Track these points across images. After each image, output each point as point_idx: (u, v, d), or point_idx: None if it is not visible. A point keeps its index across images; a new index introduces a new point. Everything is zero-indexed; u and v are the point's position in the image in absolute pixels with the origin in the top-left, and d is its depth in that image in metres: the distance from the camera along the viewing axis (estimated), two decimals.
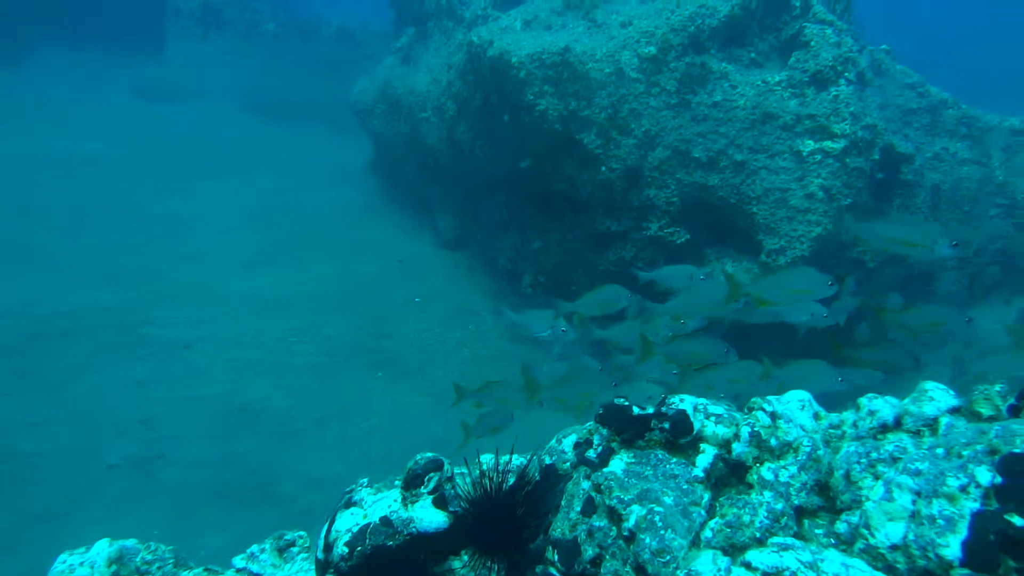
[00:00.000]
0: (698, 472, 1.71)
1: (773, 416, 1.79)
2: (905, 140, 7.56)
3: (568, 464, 1.96)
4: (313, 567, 2.23)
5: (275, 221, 11.16)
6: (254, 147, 14.67)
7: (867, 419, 1.72)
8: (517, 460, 2.09)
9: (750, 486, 1.70)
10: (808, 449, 1.69)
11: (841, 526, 1.55)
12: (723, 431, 1.80)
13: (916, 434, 1.60)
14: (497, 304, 6.38)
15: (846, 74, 6.78)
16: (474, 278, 9.67)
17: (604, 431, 1.87)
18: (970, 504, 1.32)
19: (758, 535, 1.59)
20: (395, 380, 7.86)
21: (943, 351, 7.30)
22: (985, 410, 1.58)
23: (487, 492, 1.89)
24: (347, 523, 2.01)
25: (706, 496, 1.68)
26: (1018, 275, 8.15)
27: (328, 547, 2.01)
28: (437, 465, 2.06)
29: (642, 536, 1.58)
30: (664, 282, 4.93)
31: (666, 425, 1.79)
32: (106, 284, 8.76)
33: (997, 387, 1.59)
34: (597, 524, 1.69)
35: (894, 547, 1.39)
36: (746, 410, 1.88)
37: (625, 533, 1.60)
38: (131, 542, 2.47)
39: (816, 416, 1.86)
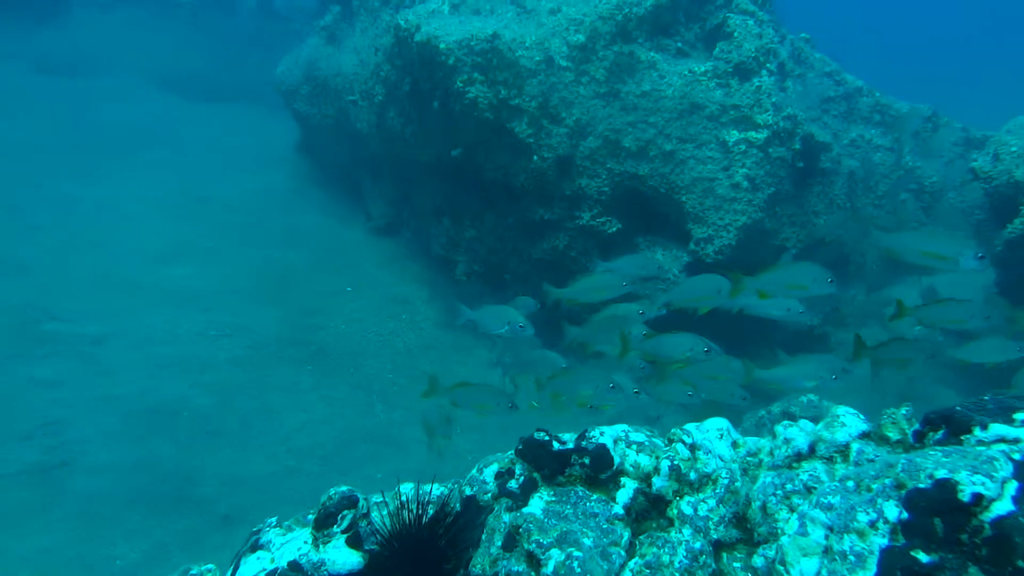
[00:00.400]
0: (618, 509, 1.70)
1: (692, 448, 1.79)
2: (824, 128, 7.82)
3: (489, 495, 1.90)
4: None
5: (194, 207, 10.58)
6: (170, 127, 13.83)
7: (783, 447, 1.74)
8: (438, 490, 2.02)
9: (671, 521, 1.70)
10: (726, 481, 1.70)
11: (758, 560, 1.57)
12: (644, 461, 1.78)
13: (829, 460, 1.63)
14: (453, 302, 6.26)
15: (768, 65, 6.92)
16: (408, 266, 9.48)
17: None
18: (879, 540, 1.34)
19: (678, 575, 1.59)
20: (325, 374, 7.65)
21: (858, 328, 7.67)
22: (893, 434, 1.62)
23: (406, 525, 1.82)
24: (253, 569, 1.90)
25: (626, 534, 1.67)
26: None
27: None
28: (352, 502, 1.96)
29: None
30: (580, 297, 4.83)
31: (586, 460, 1.77)
32: (1, 275, 8.11)
33: (903, 410, 1.63)
34: (516, 569, 1.65)
35: None
36: (666, 441, 1.87)
37: None
38: None
39: (734, 444, 1.87)
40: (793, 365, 3.86)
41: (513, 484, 1.84)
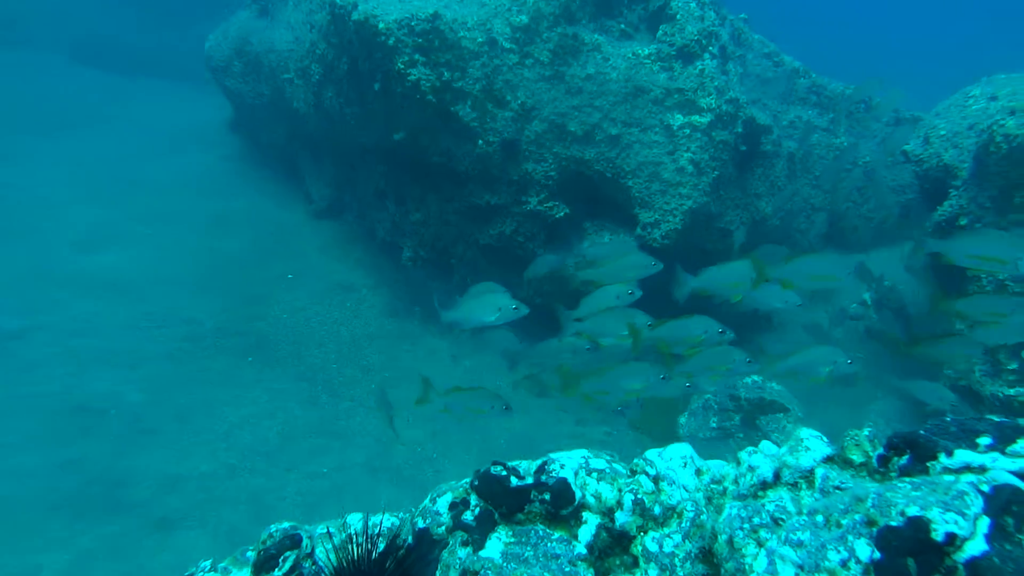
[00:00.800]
0: (581, 549, 1.63)
1: (656, 480, 1.74)
2: (764, 110, 7.91)
3: (444, 528, 1.81)
4: None
5: (119, 191, 9.98)
6: (89, 104, 12.98)
7: (748, 475, 1.71)
8: (388, 521, 1.91)
9: (635, 559, 1.65)
10: (691, 514, 1.66)
11: None
12: (606, 491, 1.72)
13: (794, 486, 1.61)
14: (433, 304, 6.04)
15: (710, 48, 6.92)
16: (351, 251, 9.20)
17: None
18: None
19: None
20: (268, 365, 7.39)
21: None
22: (857, 457, 1.61)
23: (354, 562, 1.71)
24: None
25: (589, 575, 1.61)
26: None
27: None
28: (295, 541, 1.84)
29: None
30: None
31: (547, 496, 1.69)
32: None
33: (866, 432, 1.62)
34: None
35: None
36: (629, 472, 1.82)
37: None
38: None
39: (698, 472, 1.83)
40: (805, 352, 3.88)
41: (468, 516, 1.75)
